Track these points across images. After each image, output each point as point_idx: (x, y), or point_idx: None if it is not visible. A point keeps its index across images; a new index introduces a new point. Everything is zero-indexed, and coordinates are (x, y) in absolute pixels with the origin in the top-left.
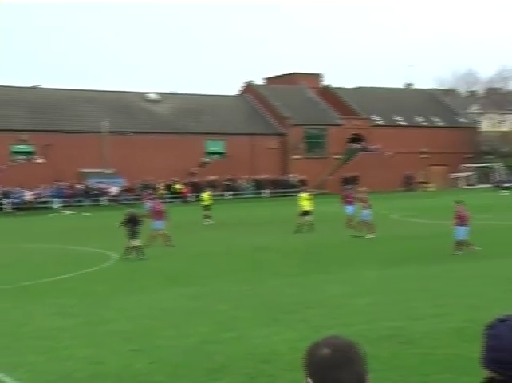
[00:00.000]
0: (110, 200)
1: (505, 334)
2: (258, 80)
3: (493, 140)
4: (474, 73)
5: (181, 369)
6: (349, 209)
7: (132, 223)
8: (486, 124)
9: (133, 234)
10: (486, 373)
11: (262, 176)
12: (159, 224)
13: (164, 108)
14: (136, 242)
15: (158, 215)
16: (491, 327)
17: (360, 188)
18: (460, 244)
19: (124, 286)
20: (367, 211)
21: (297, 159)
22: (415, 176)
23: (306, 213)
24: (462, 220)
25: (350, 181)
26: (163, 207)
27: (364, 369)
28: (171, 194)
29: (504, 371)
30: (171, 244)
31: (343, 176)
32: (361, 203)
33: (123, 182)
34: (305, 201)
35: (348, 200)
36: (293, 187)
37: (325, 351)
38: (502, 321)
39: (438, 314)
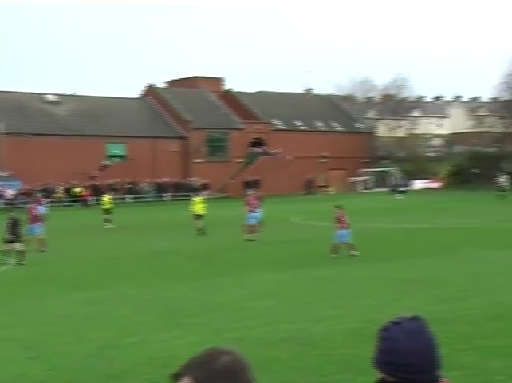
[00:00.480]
0: (6, 203)
1: (399, 337)
2: (160, 83)
3: (389, 145)
4: (370, 80)
5: (79, 375)
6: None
7: (14, 226)
8: (383, 130)
9: (15, 238)
10: (379, 374)
11: (164, 180)
12: (35, 228)
13: (63, 110)
14: (18, 246)
15: (34, 219)
16: (385, 329)
17: (249, 191)
18: (337, 247)
19: (21, 291)
20: (254, 214)
21: (198, 162)
22: (315, 180)
23: (199, 217)
24: (342, 224)
25: (252, 185)
26: (39, 210)
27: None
28: (71, 197)
29: (397, 373)
30: (45, 249)
31: (245, 180)
32: (247, 207)
33: (20, 185)
34: (198, 205)
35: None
36: (195, 190)
37: (226, 358)
38: (396, 323)
39: (336, 315)
